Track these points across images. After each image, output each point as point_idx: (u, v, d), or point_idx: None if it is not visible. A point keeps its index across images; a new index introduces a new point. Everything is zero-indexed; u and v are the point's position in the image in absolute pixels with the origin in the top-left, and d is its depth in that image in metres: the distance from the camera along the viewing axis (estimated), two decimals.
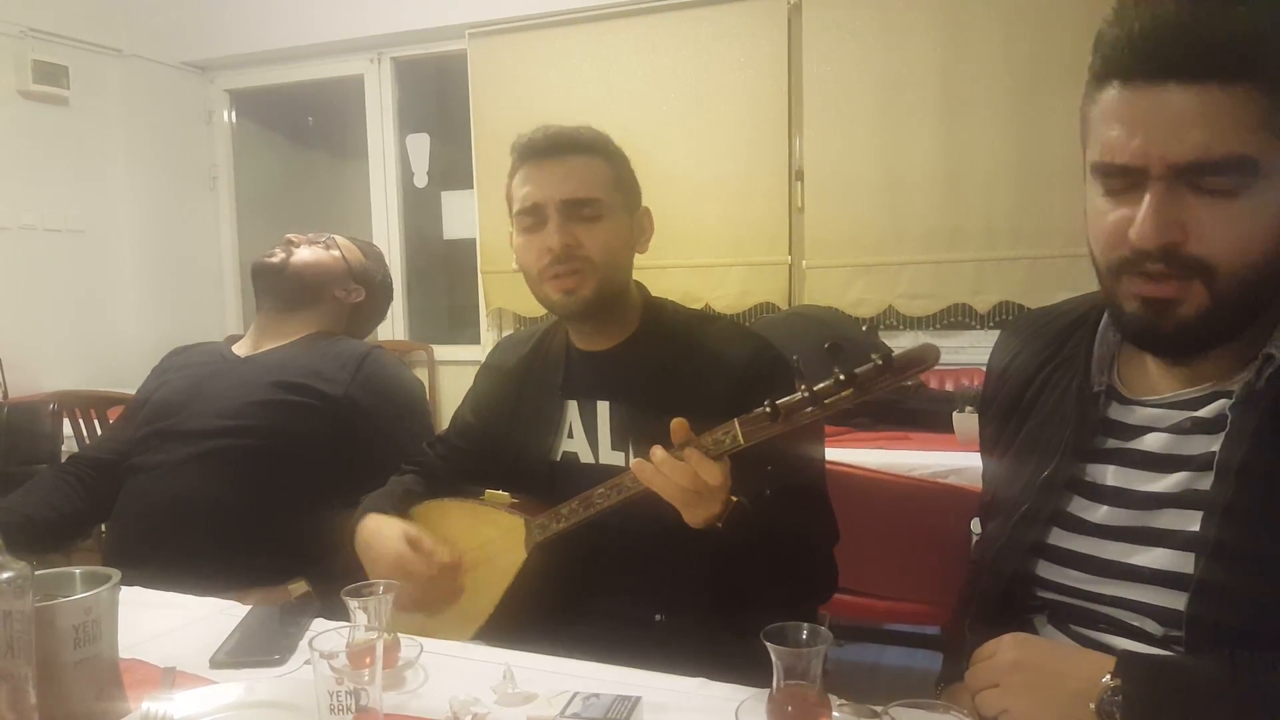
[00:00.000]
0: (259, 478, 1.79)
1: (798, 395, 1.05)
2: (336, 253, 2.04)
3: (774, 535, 1.23)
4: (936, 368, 3.63)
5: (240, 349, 2.01)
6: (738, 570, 1.25)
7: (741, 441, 1.10)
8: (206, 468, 1.80)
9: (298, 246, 2.02)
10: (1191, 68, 0.82)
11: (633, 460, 1.18)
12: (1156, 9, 0.84)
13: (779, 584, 1.30)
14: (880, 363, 1.00)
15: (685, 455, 1.11)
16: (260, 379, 1.88)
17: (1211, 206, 0.84)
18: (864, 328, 0.88)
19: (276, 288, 1.99)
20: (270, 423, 1.81)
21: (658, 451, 1.14)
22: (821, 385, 1.04)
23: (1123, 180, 0.88)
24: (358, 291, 2.06)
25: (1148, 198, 0.85)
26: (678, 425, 1.13)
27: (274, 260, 1.99)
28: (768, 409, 1.07)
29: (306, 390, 1.85)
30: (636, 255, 1.49)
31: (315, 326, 2.01)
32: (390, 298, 2.21)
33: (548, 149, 1.41)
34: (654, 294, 1.54)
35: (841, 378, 1.02)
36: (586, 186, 1.40)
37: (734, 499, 1.17)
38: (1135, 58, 0.85)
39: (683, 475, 1.12)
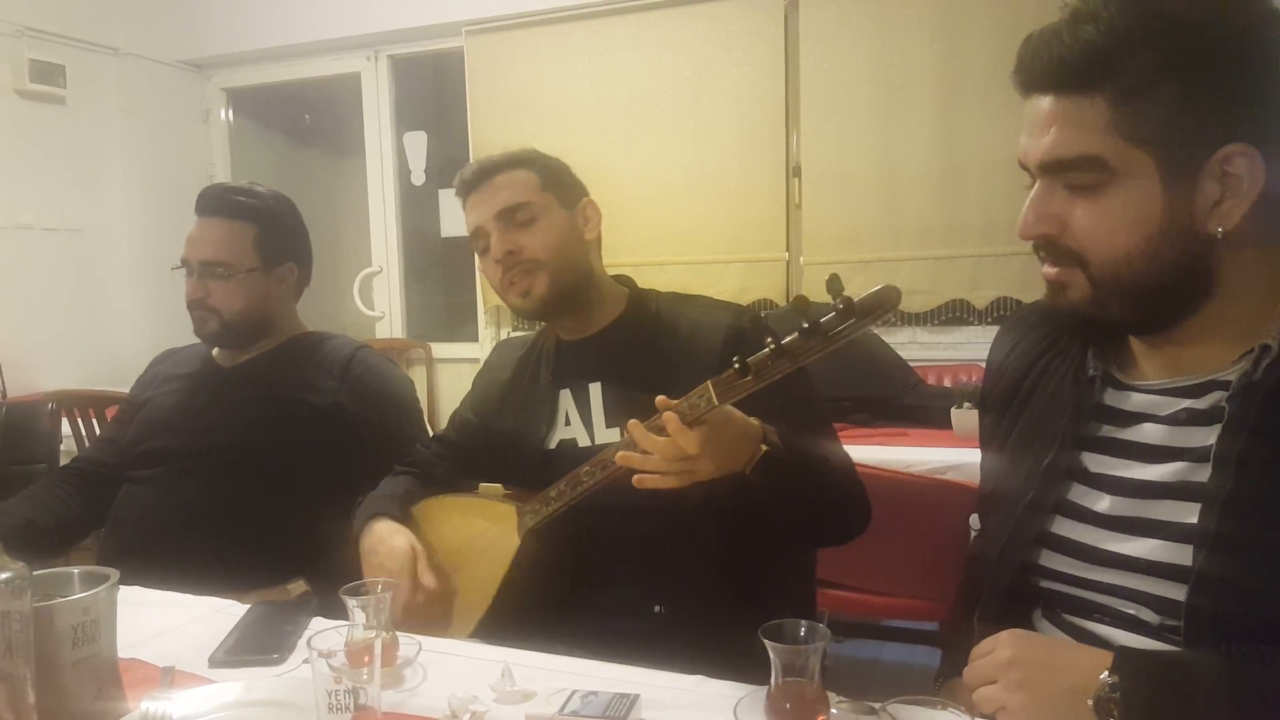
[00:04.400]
0: (255, 486, 1.78)
1: (766, 350, 1.07)
2: (247, 269, 1.87)
3: (805, 473, 1.26)
4: (934, 364, 3.62)
5: (223, 356, 1.96)
6: (778, 513, 1.28)
7: (716, 402, 1.11)
8: (202, 478, 1.80)
9: (209, 295, 1.86)
10: (1048, 80, 0.94)
11: (619, 454, 1.19)
12: (1035, 33, 0.95)
13: (822, 517, 1.34)
14: (841, 306, 1.02)
15: (664, 420, 1.12)
16: (247, 395, 1.86)
17: (1080, 203, 0.94)
18: (826, 277, 0.86)
19: (233, 341, 1.93)
20: (261, 438, 1.80)
21: (637, 430, 1.14)
22: (789, 338, 1.06)
23: (1028, 178, 0.99)
24: (289, 271, 1.95)
25: (1030, 193, 0.98)
26: (659, 403, 1.15)
27: (213, 328, 1.88)
28: (736, 365, 1.09)
29: (295, 403, 1.83)
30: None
31: (289, 331, 1.97)
32: (305, 231, 2.01)
33: (475, 178, 1.52)
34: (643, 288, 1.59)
35: (806, 326, 1.03)
36: (513, 195, 1.48)
37: (763, 448, 1.19)
38: (1020, 74, 0.97)
39: (665, 449, 1.12)
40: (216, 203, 1.90)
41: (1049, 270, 0.99)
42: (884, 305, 1.02)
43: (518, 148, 1.55)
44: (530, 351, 1.63)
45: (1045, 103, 0.94)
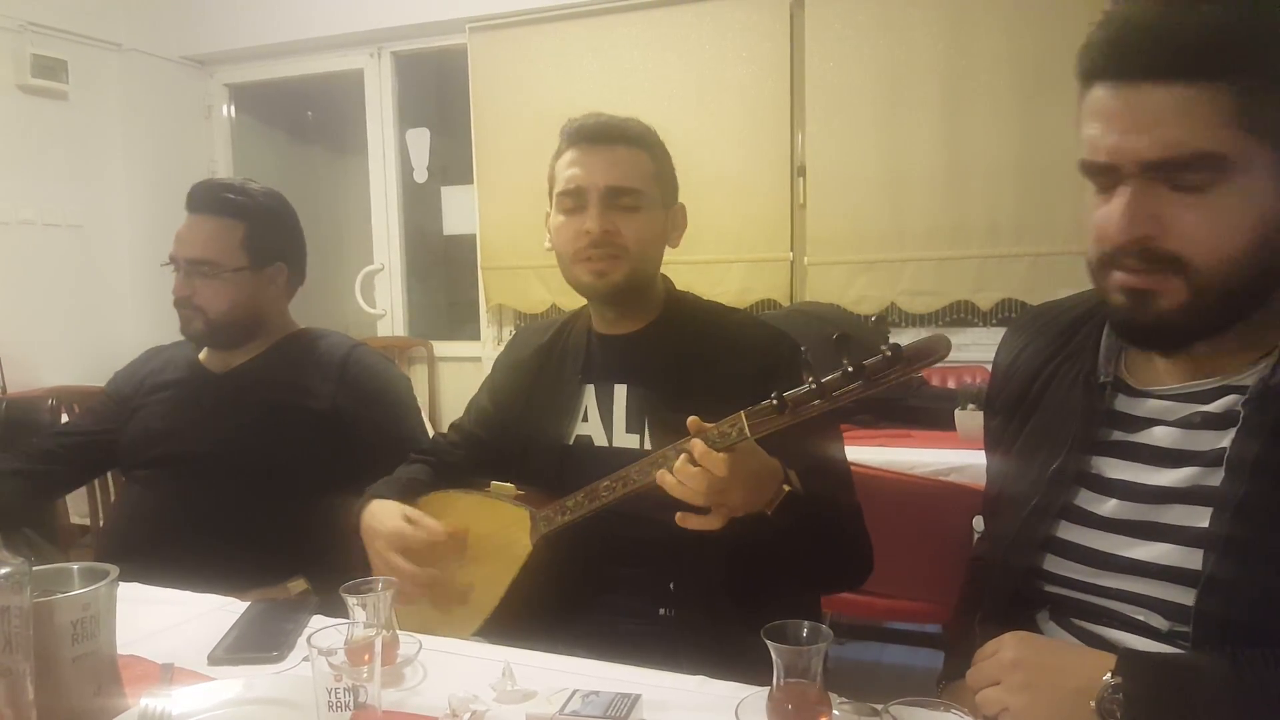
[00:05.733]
0: (255, 486, 1.77)
1: (805, 387, 1.05)
2: (233, 268, 1.84)
3: (822, 518, 1.24)
4: (939, 365, 3.63)
5: (213, 362, 1.92)
6: (791, 555, 1.26)
7: (748, 434, 1.09)
8: (202, 479, 1.79)
9: (195, 294, 1.83)
10: (1162, 67, 0.84)
11: (658, 474, 1.16)
12: (1134, 11, 0.87)
13: (829, 565, 1.33)
14: (889, 354, 0.99)
15: (691, 445, 1.11)
16: (243, 401, 1.84)
17: (1185, 203, 0.86)
18: (871, 320, 0.86)
19: (219, 341, 1.90)
20: (260, 443, 1.79)
21: (682, 462, 1.13)
22: (829, 377, 1.03)
23: (1104, 178, 0.90)
24: (279, 271, 1.91)
25: (1121, 194, 0.88)
26: (691, 424, 1.13)
27: (198, 327, 1.85)
28: (774, 401, 1.07)
29: (292, 408, 1.81)
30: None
31: (280, 331, 1.95)
32: (299, 231, 1.97)
33: (597, 135, 1.45)
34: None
35: (850, 369, 1.01)
36: (630, 176, 1.44)
37: (785, 488, 1.18)
38: (1114, 59, 0.87)
39: (701, 481, 1.11)
40: (206, 199, 1.86)
41: (1134, 279, 0.90)
42: (932, 354, 0.99)
43: (637, 121, 1.49)
44: (556, 339, 1.59)
45: (1152, 93, 0.84)
